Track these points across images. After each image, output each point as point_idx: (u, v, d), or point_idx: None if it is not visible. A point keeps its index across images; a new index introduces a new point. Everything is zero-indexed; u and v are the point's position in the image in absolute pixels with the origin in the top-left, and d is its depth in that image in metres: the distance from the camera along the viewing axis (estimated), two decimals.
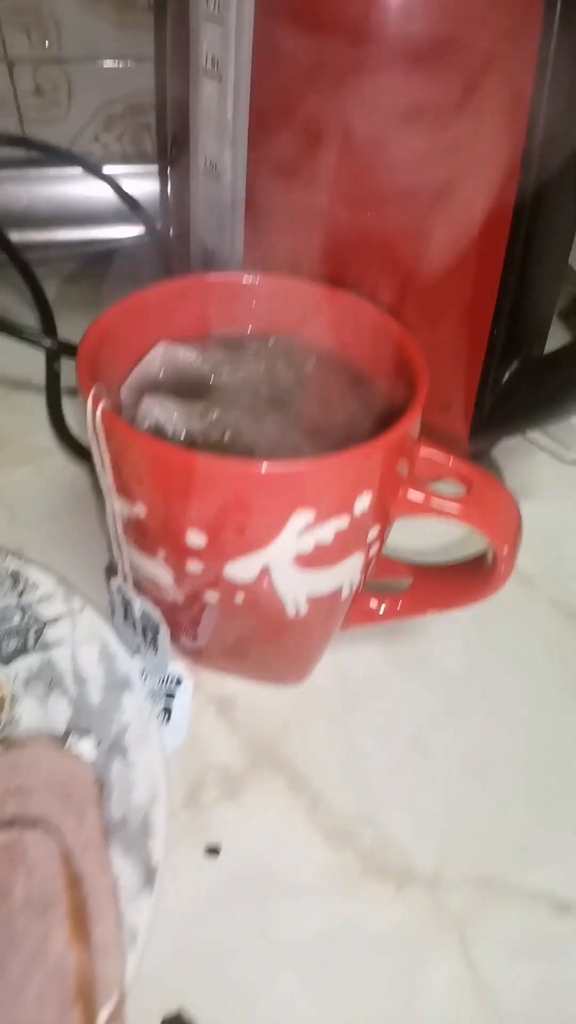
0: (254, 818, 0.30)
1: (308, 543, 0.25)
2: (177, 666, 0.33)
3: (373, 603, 0.33)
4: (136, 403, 0.29)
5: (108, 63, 0.58)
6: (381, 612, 0.33)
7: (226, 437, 0.27)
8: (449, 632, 0.36)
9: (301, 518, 0.24)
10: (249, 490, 0.24)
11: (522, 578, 0.38)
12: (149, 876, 0.26)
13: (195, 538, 0.25)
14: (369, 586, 0.31)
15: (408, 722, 0.33)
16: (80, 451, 0.45)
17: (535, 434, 0.41)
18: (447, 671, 0.35)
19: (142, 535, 0.27)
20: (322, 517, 0.24)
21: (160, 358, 0.30)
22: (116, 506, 0.27)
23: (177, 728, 0.32)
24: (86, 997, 0.21)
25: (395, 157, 0.32)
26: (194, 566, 0.26)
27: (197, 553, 0.26)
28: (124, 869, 0.26)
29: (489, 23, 0.30)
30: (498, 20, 0.30)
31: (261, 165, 0.34)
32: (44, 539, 0.40)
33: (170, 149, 0.40)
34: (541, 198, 0.34)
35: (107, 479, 0.26)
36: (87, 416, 0.25)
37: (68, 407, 0.48)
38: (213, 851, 0.29)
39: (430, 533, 0.38)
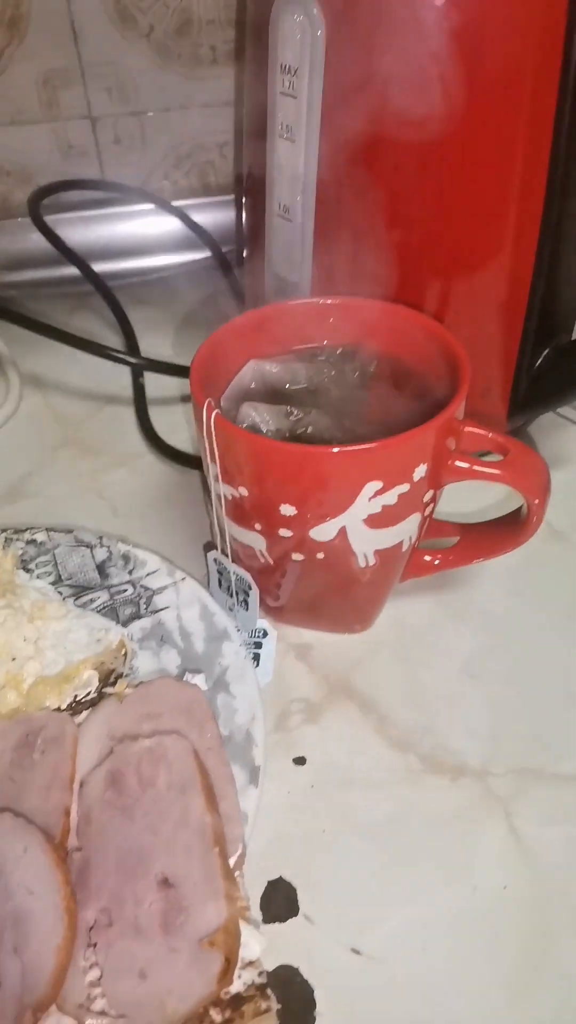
0: (332, 735, 0.37)
1: (377, 506, 0.32)
2: (263, 621, 0.41)
3: (427, 557, 0.40)
4: (234, 409, 0.36)
5: (177, 111, 0.66)
6: (436, 563, 0.40)
7: (309, 430, 0.35)
8: (491, 582, 0.43)
9: (371, 487, 0.31)
10: (329, 469, 0.31)
11: (555, 533, 0.45)
12: (253, 775, 0.33)
13: (286, 510, 0.33)
14: (423, 545, 0.38)
15: (458, 656, 0.40)
16: (168, 452, 0.52)
17: (566, 410, 0.48)
18: (490, 614, 0.42)
19: (242, 512, 0.35)
20: (388, 485, 0.32)
21: (251, 373, 0.37)
22: (221, 490, 0.34)
23: (265, 671, 0.40)
24: (220, 845, 0.28)
25: (434, 190, 0.40)
26: (285, 532, 0.34)
27: (288, 522, 0.33)
28: (234, 771, 0.33)
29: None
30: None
31: (326, 208, 0.41)
32: (143, 528, 0.47)
33: (245, 182, 0.48)
34: (565, 208, 0.41)
35: (215, 469, 0.34)
36: (203, 422, 0.32)
37: (153, 415, 0.55)
38: (300, 761, 0.36)
39: (472, 502, 0.45)
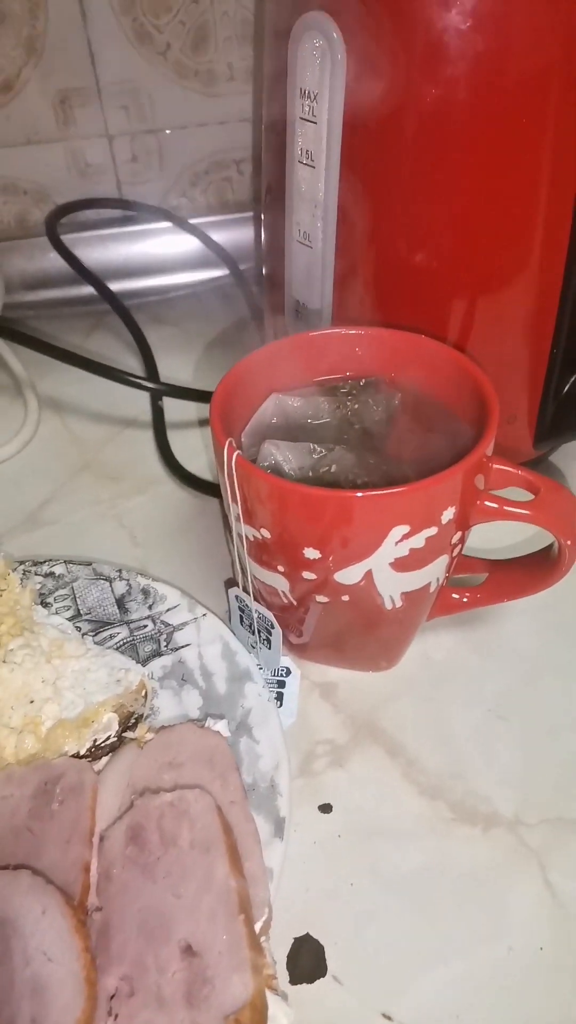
0: (359, 781, 0.36)
1: (404, 550, 0.31)
2: (286, 659, 0.40)
3: (455, 595, 0.39)
4: (254, 445, 0.35)
5: (194, 128, 0.65)
6: (464, 601, 0.39)
7: (333, 469, 0.34)
8: (520, 618, 0.42)
9: (398, 531, 0.30)
10: (355, 513, 0.30)
11: None
12: (279, 827, 0.32)
13: (310, 553, 0.32)
14: (451, 582, 0.37)
15: (487, 695, 0.39)
16: (187, 478, 0.51)
17: None
18: (519, 651, 0.40)
19: (264, 553, 0.34)
20: (415, 529, 0.30)
21: (272, 408, 0.36)
22: (243, 530, 0.33)
23: (288, 711, 0.38)
24: (246, 911, 0.27)
25: (459, 213, 0.38)
26: (308, 575, 0.33)
27: (311, 565, 0.32)
28: (258, 822, 0.32)
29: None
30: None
31: (346, 235, 0.40)
32: (163, 557, 0.47)
33: (263, 202, 0.47)
34: None
35: (236, 509, 0.33)
36: (224, 463, 0.31)
37: (172, 438, 0.54)
38: (326, 809, 0.35)
39: (502, 536, 0.44)
